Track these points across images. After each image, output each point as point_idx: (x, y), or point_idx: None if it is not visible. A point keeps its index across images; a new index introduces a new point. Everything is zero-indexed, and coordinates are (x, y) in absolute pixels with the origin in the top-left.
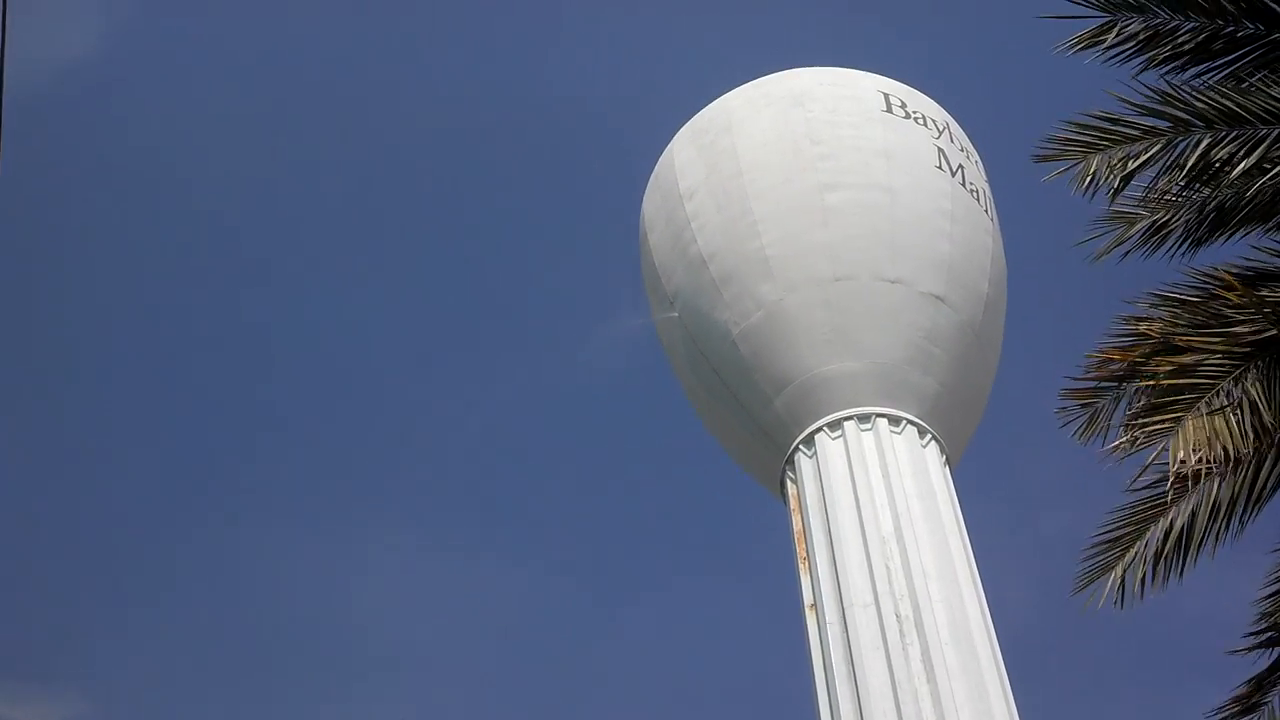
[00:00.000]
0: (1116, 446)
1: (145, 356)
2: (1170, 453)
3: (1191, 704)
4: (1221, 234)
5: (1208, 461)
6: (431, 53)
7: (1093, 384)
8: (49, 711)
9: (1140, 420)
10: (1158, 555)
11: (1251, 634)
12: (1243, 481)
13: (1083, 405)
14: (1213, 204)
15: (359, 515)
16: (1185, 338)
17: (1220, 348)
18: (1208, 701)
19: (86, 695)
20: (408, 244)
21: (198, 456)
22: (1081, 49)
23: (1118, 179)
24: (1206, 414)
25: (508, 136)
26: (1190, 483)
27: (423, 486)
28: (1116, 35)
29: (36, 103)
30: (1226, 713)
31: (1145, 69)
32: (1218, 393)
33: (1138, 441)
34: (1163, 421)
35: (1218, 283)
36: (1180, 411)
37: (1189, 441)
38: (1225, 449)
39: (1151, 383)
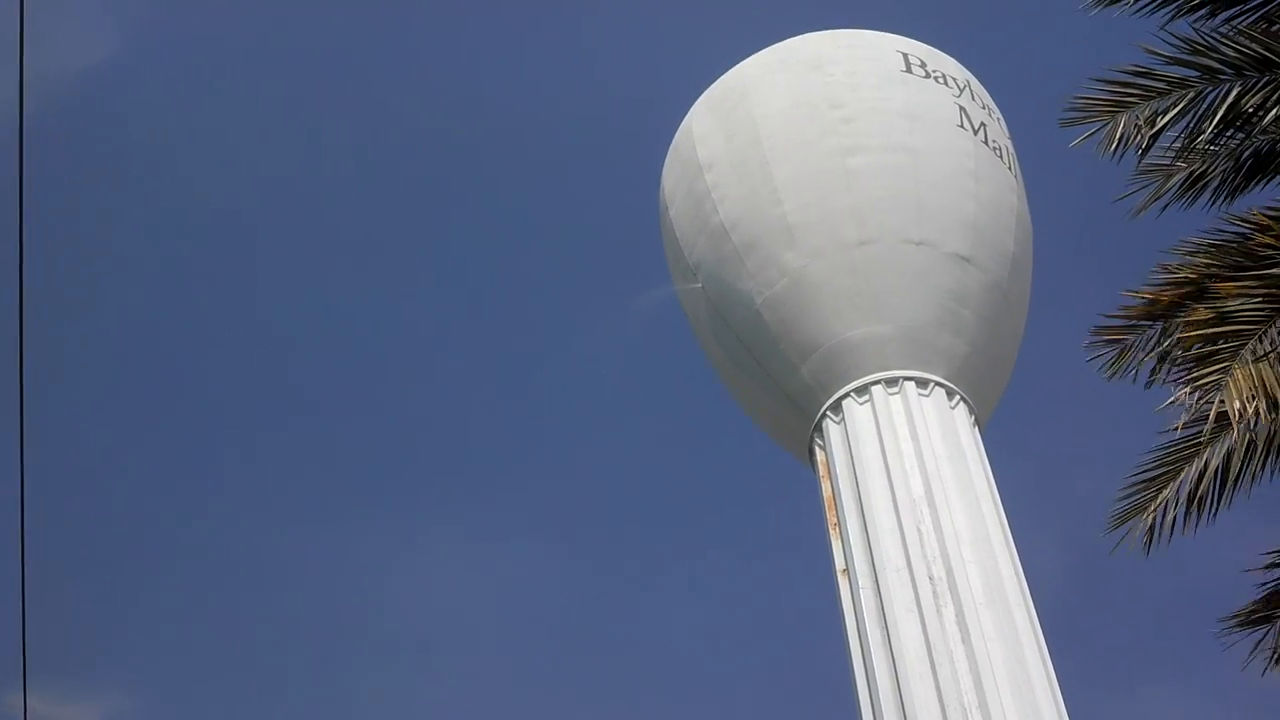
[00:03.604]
0: (1174, 401)
1: (179, 356)
2: (1227, 404)
3: (1227, 662)
4: (1260, 181)
5: (1260, 413)
6: (452, 35)
7: (1124, 323)
8: (89, 709)
9: (1192, 374)
10: (1191, 496)
11: (1269, 552)
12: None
13: (1110, 342)
14: (1249, 151)
15: (388, 506)
16: (1222, 282)
17: (1259, 290)
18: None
19: (127, 693)
20: (429, 231)
21: (228, 454)
22: (1107, 4)
23: (1145, 137)
24: (1252, 361)
25: (523, 116)
26: (1234, 423)
27: (449, 472)
28: None
29: (54, 109)
30: (1239, 619)
31: (1173, 18)
32: (1260, 338)
33: (1195, 396)
34: (1212, 372)
35: (1252, 225)
36: (1226, 360)
37: (1241, 390)
38: (1273, 396)
39: (1190, 332)
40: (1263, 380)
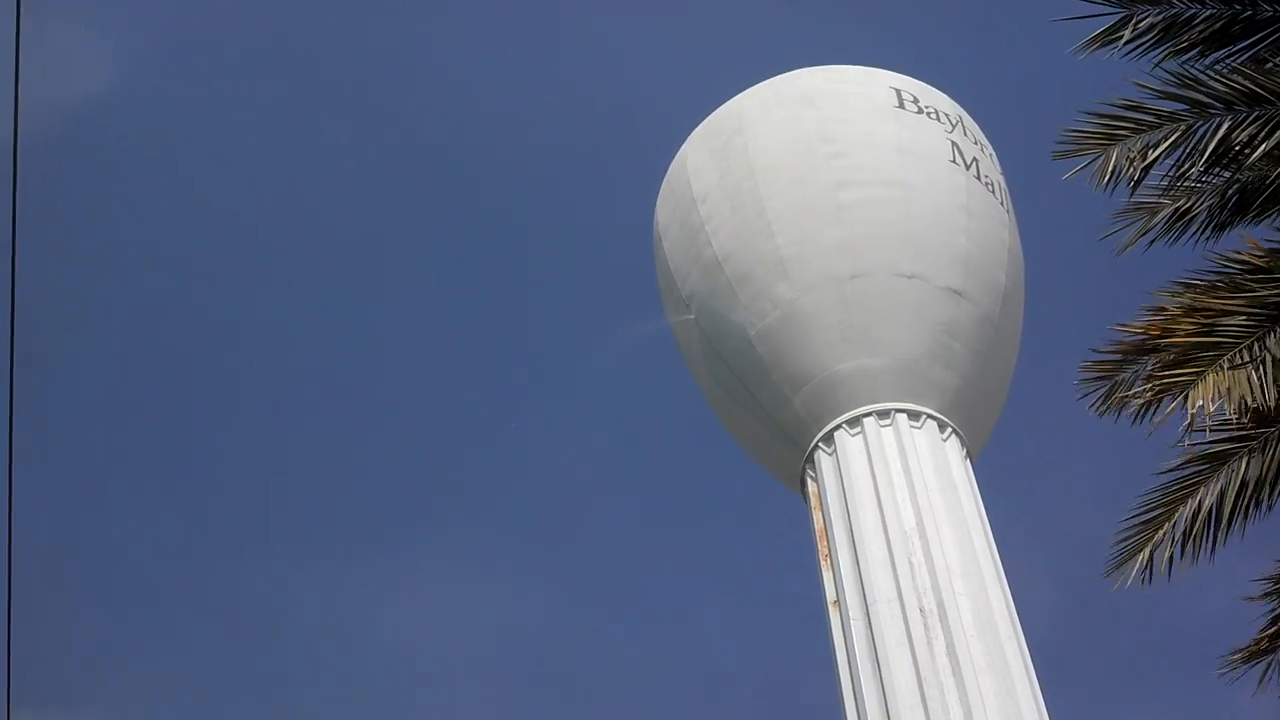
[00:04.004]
0: (1137, 398)
1: (167, 379)
2: (1189, 400)
3: (1218, 700)
4: (1244, 218)
5: (1231, 413)
6: (442, 56)
7: (1114, 357)
8: None
9: (1161, 375)
10: (1186, 535)
11: (1264, 579)
12: (1271, 459)
13: (1102, 378)
14: (1234, 188)
15: (379, 535)
16: (1207, 302)
17: (1243, 309)
18: (1233, 698)
19: (109, 717)
20: (417, 253)
21: (218, 481)
22: (1098, 48)
23: (1138, 170)
24: (1229, 369)
25: (516, 141)
26: (1190, 426)
27: (440, 502)
28: (1133, 30)
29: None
30: (1244, 653)
31: (1164, 58)
32: (1240, 351)
33: (1159, 394)
34: (1184, 374)
35: (1238, 260)
36: (1202, 366)
37: (1209, 391)
38: (1244, 399)
39: (1175, 342)
40: (1237, 383)
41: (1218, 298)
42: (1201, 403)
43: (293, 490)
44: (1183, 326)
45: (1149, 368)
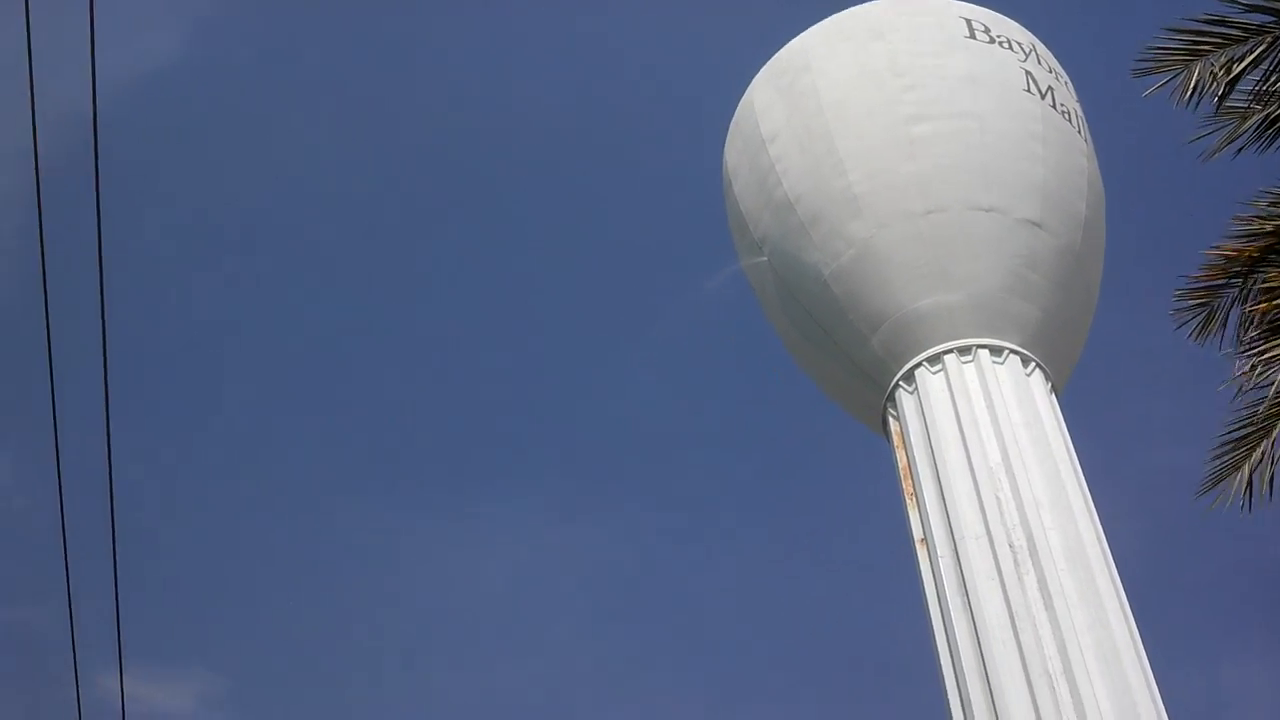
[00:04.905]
0: (1235, 379)
1: (252, 334)
2: None
3: None
4: None
5: None
6: (511, 18)
7: (1209, 283)
8: (183, 691)
9: (1257, 348)
10: None
11: None
12: None
13: (1198, 305)
14: None
15: (459, 490)
16: None
17: None
18: None
19: (218, 675)
20: (488, 210)
21: (297, 438)
22: None
23: (1222, 85)
24: None
25: (584, 100)
26: None
27: (524, 453)
28: None
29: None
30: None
31: None
32: None
33: (1256, 371)
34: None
35: None
36: None
37: None
38: None
39: (1267, 296)
40: None
41: None
42: None
43: (366, 447)
44: (1272, 277)
45: (1239, 293)
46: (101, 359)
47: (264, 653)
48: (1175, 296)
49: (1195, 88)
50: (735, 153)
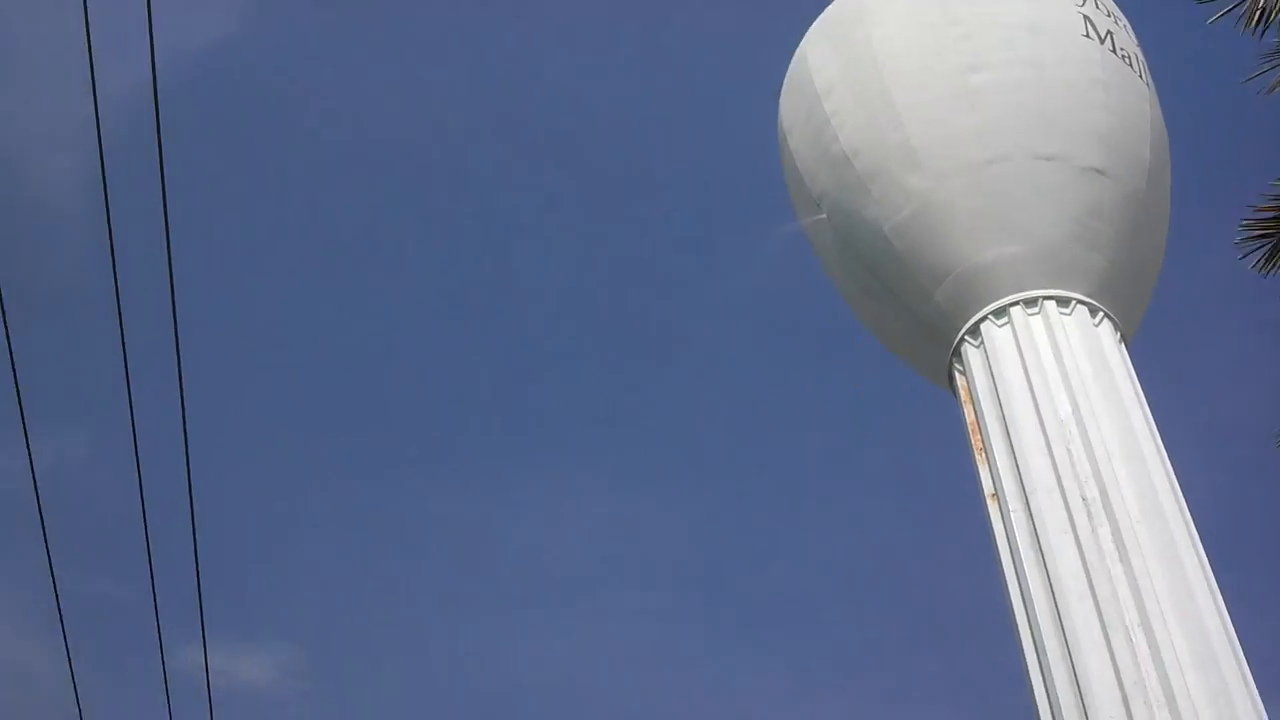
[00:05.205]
0: None
1: (327, 305)
2: None
3: None
4: None
5: None
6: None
7: (1274, 214)
8: (264, 663)
9: None
10: None
11: None
12: None
13: (1263, 235)
14: None
15: (535, 458)
16: None
17: None
18: None
19: (297, 645)
20: (548, 181)
21: (373, 410)
22: None
23: None
24: None
25: (638, 62)
26: None
27: (589, 421)
28: None
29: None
30: None
31: None
32: None
33: None
34: None
35: None
36: None
37: None
38: None
39: None
40: None
41: None
42: None
43: (464, 414)
44: None
45: None
46: (174, 340)
47: (341, 624)
48: (1241, 227)
49: (1262, 13)
50: (790, 108)
